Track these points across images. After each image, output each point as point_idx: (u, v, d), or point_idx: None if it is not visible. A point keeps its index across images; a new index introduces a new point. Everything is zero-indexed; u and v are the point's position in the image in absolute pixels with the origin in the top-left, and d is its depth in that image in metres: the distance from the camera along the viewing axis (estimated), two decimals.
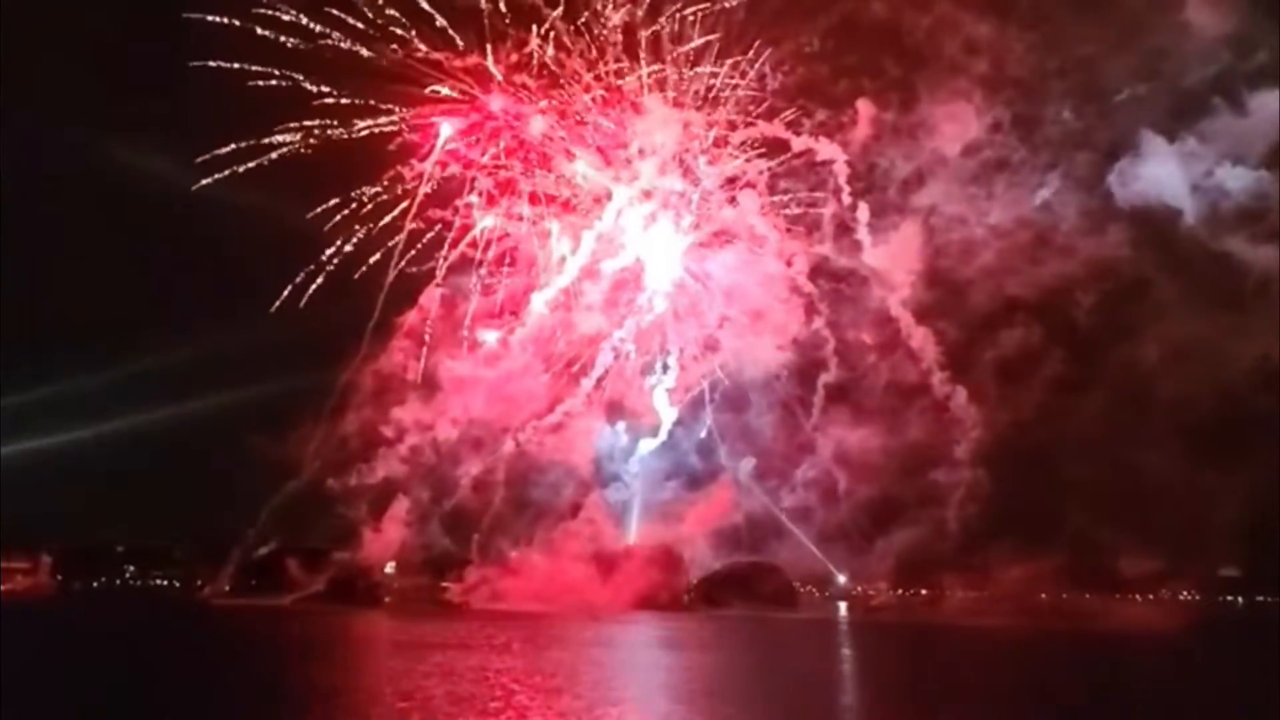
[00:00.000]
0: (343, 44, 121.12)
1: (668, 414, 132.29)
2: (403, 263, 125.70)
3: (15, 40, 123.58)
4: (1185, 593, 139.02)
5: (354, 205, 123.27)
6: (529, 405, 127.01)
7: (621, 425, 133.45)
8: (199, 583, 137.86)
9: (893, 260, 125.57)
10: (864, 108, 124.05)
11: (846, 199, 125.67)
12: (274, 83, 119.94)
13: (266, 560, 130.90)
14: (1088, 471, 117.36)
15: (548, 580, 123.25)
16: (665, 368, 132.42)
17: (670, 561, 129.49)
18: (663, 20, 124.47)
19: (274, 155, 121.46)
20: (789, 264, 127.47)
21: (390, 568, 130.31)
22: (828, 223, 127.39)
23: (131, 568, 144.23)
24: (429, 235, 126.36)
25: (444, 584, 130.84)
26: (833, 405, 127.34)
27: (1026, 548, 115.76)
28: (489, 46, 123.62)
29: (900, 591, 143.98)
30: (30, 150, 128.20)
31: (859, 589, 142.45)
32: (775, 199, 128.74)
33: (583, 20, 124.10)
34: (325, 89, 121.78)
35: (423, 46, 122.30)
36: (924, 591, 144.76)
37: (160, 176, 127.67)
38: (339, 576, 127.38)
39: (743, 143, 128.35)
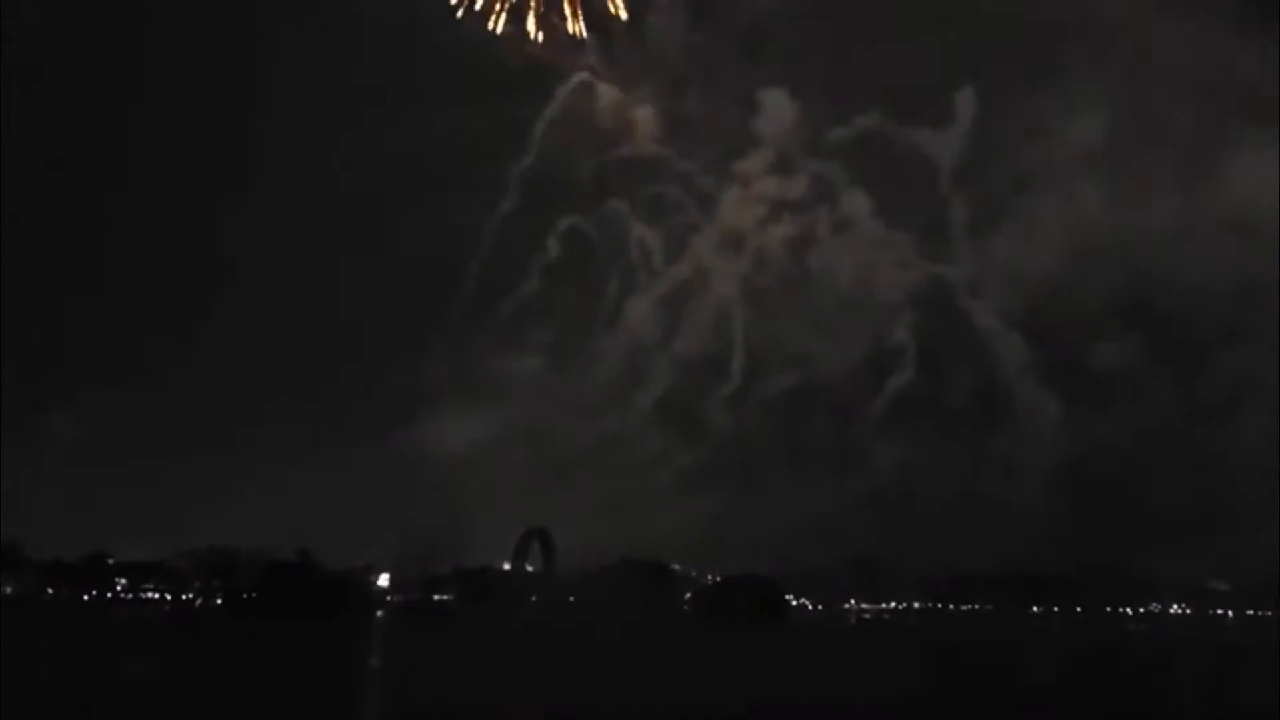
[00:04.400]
0: None
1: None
2: None
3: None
4: None
5: None
6: None
7: None
8: (189, 596, 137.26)
9: (989, 263, 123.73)
10: (966, 101, 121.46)
11: (947, 197, 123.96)
12: None
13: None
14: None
15: None
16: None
17: None
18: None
19: None
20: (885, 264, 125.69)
21: (384, 580, 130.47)
22: (926, 222, 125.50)
23: (123, 580, 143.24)
24: None
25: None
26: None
27: None
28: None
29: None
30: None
31: (852, 602, 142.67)
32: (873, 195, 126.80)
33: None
34: None
35: None
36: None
37: None
38: None
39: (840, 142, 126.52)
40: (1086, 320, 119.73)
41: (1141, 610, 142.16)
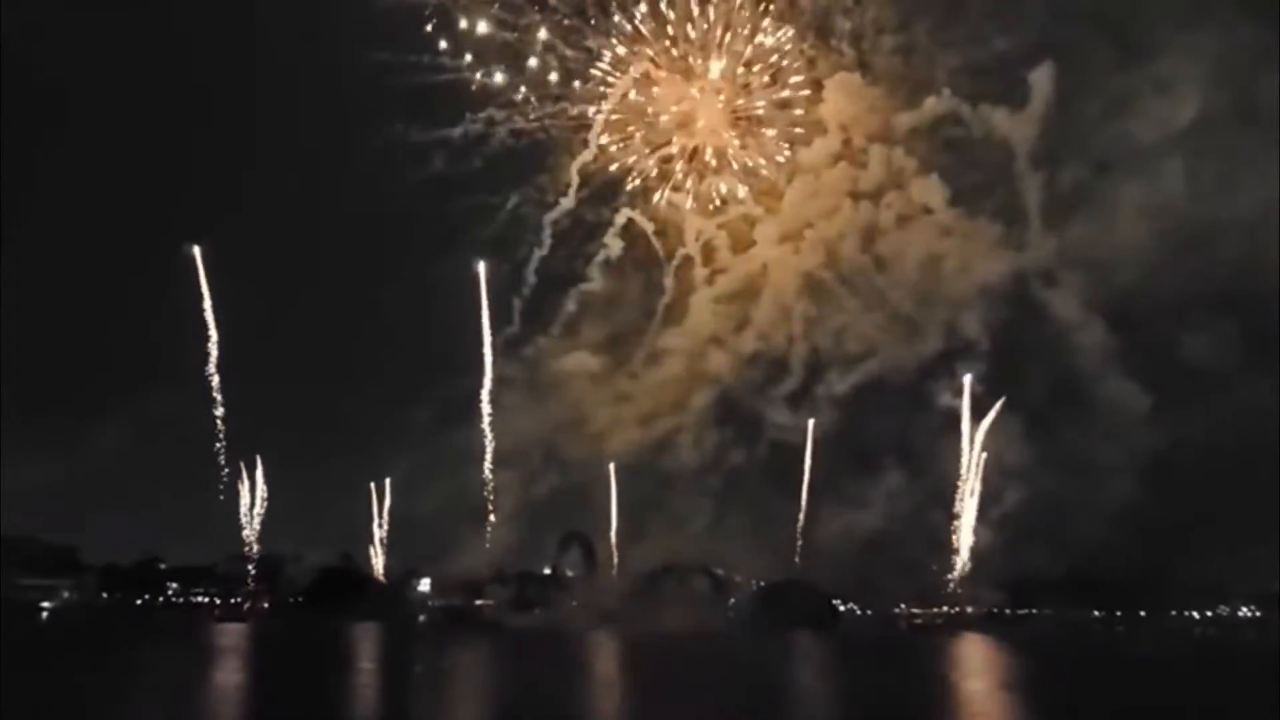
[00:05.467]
0: None
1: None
2: None
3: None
4: None
5: None
6: None
7: None
8: (238, 600, 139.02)
9: (1068, 251, 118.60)
10: (1042, 81, 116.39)
11: (1024, 181, 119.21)
12: None
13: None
14: None
15: None
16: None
17: None
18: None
19: None
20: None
21: (425, 585, 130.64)
22: (1000, 208, 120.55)
23: (174, 585, 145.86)
24: None
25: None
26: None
27: None
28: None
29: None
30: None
31: (903, 607, 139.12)
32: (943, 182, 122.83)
33: None
34: None
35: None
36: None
37: None
38: None
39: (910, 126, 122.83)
40: (1174, 310, 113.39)
41: (1209, 614, 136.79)
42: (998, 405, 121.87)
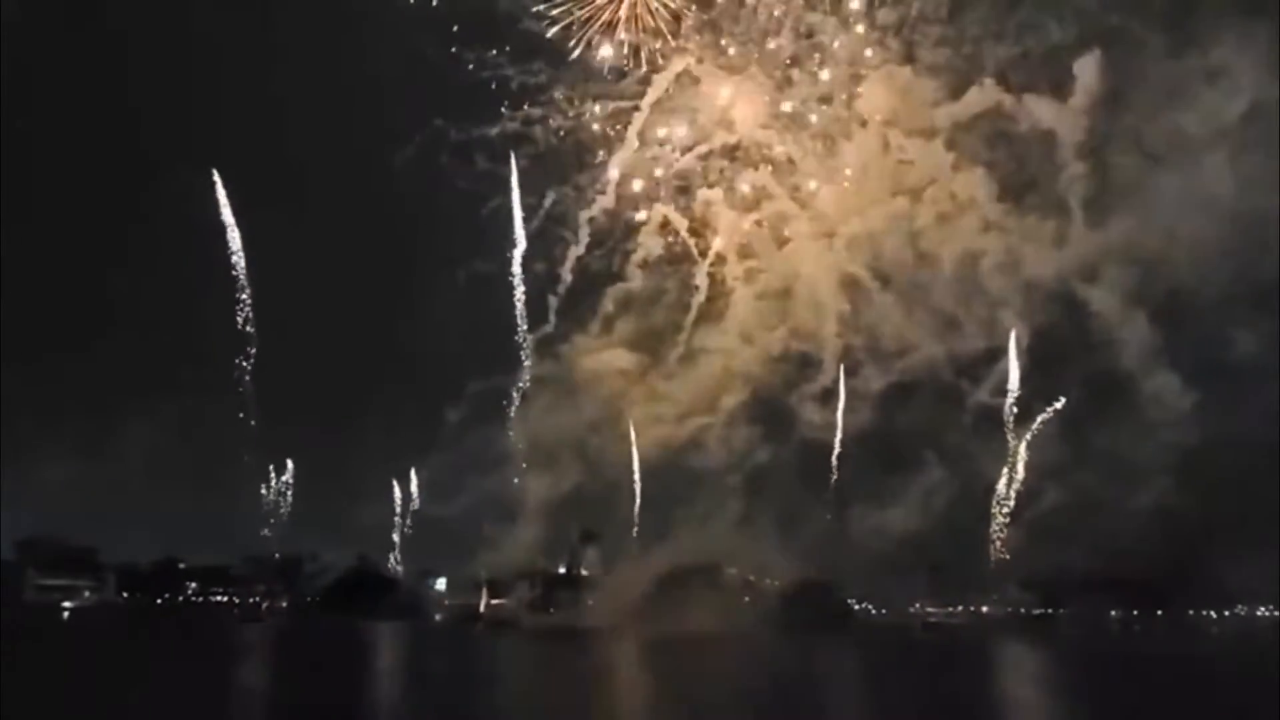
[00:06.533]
0: None
1: None
2: None
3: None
4: None
5: None
6: None
7: None
8: (256, 600, 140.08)
9: (1112, 245, 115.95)
10: (1088, 70, 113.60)
11: (1067, 173, 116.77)
12: None
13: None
14: None
15: None
16: None
17: None
18: None
19: None
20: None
21: (441, 584, 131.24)
22: (1042, 201, 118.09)
23: (193, 584, 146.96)
24: None
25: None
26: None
27: None
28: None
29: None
30: None
31: (918, 606, 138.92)
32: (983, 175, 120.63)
33: None
34: None
35: None
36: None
37: None
38: None
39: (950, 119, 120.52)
40: (1220, 306, 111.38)
41: (1226, 614, 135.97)
42: (1048, 409, 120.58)
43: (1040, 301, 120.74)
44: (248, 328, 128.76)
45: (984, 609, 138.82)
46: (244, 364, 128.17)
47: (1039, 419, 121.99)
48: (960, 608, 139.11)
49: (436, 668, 76.82)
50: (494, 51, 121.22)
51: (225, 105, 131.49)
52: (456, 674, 68.01)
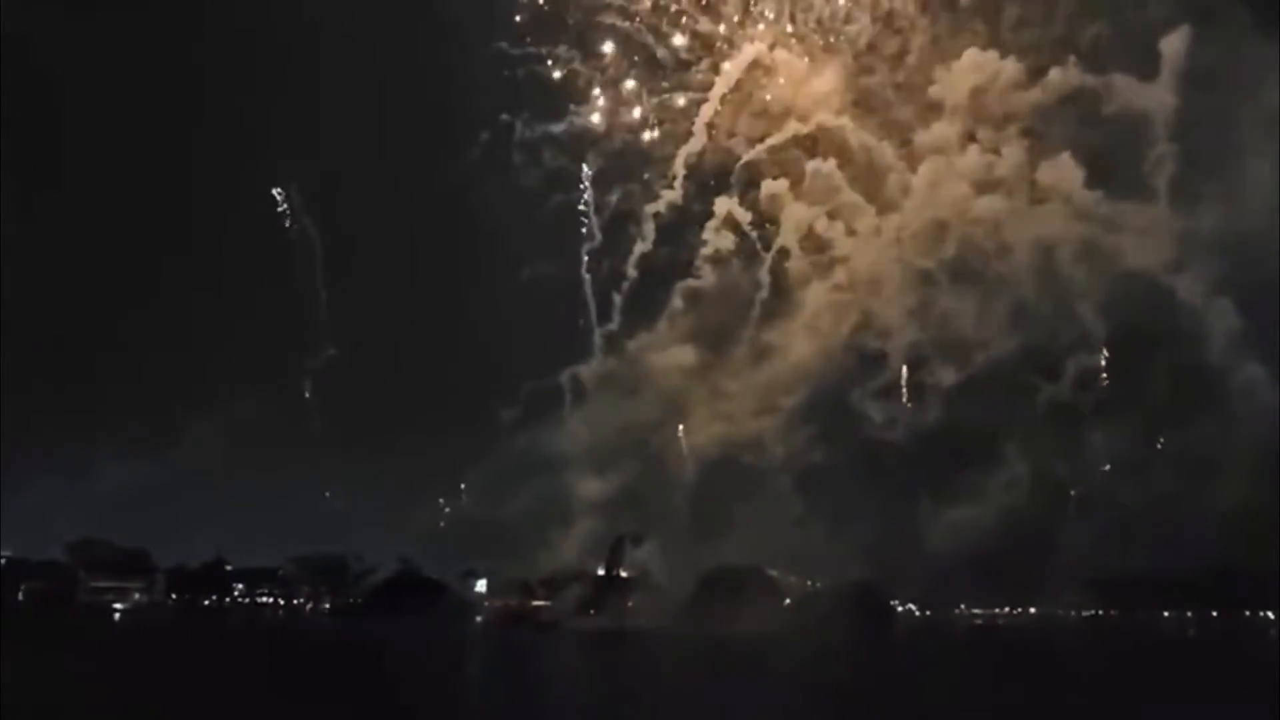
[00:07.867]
0: None
1: None
2: None
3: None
4: None
5: None
6: None
7: None
8: (300, 600, 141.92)
9: (1198, 231, 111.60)
10: (1175, 47, 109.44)
11: (1151, 156, 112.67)
12: None
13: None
14: None
15: None
16: None
17: None
18: None
19: None
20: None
21: (482, 585, 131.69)
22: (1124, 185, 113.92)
23: (239, 586, 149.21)
24: None
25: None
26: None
27: None
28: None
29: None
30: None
31: (962, 607, 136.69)
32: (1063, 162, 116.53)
33: None
34: None
35: None
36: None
37: None
38: None
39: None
40: None
41: None
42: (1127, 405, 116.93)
43: (1122, 292, 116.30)
44: (312, 330, 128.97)
45: (1032, 610, 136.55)
46: (306, 366, 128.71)
47: (1117, 415, 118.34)
48: (1009, 609, 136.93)
49: (482, 670, 76.79)
50: (564, 46, 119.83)
51: (292, 105, 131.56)
52: (502, 676, 68.07)
